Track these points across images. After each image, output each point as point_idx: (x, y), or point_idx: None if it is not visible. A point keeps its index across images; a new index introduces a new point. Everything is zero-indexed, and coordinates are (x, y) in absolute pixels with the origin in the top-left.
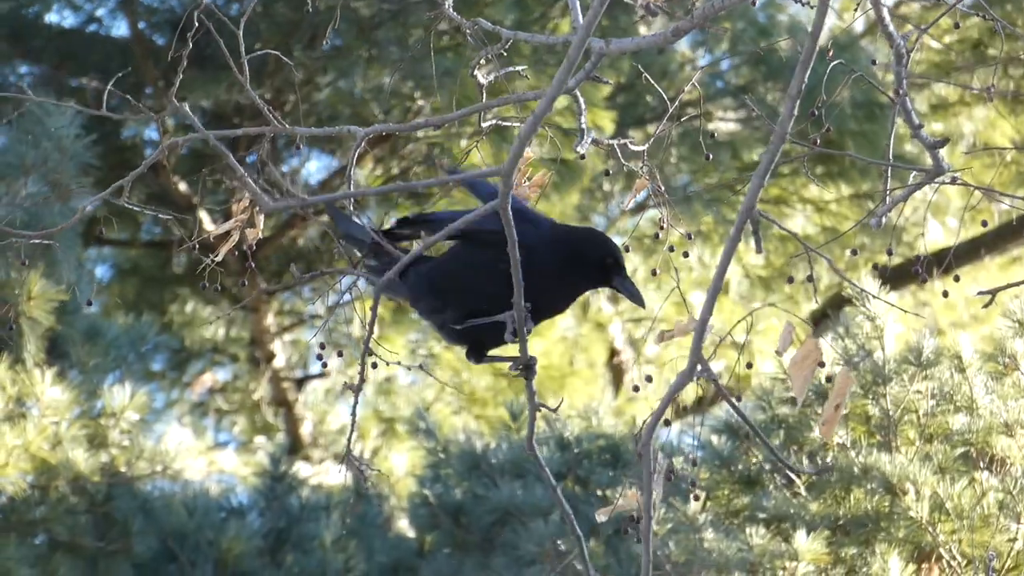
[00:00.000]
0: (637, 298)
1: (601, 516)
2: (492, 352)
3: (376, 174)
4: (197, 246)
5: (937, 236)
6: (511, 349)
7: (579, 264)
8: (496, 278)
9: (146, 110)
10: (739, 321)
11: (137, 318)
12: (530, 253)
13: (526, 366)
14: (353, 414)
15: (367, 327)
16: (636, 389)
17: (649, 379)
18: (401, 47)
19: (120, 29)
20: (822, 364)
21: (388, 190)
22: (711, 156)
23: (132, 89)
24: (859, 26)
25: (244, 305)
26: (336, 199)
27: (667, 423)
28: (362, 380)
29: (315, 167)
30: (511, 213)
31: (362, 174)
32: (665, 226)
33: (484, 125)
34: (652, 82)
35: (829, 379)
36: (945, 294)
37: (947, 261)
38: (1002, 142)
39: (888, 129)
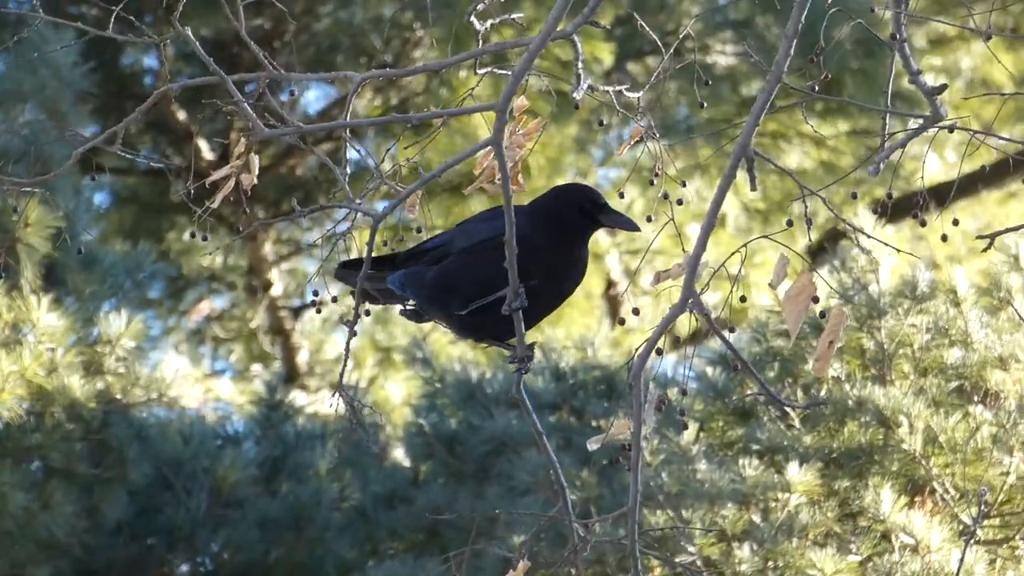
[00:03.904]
0: (630, 225)
1: (592, 445)
2: (496, 337)
3: (375, 104)
4: (192, 191)
5: (935, 170)
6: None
7: (563, 221)
8: (497, 270)
9: (150, 34)
10: (732, 253)
11: (134, 245)
12: (524, 240)
13: (521, 359)
14: (347, 350)
15: (364, 263)
16: (622, 322)
17: (636, 312)
18: None
19: None
20: (816, 299)
21: (382, 121)
22: (705, 104)
23: (133, 19)
24: None
25: (241, 235)
26: (333, 128)
27: (659, 353)
28: (356, 315)
29: (314, 96)
30: (489, 215)
31: (361, 104)
32: (660, 172)
33: (481, 72)
34: (646, 28)
35: (823, 314)
36: (944, 238)
37: (946, 201)
38: (1001, 77)
39: (887, 67)
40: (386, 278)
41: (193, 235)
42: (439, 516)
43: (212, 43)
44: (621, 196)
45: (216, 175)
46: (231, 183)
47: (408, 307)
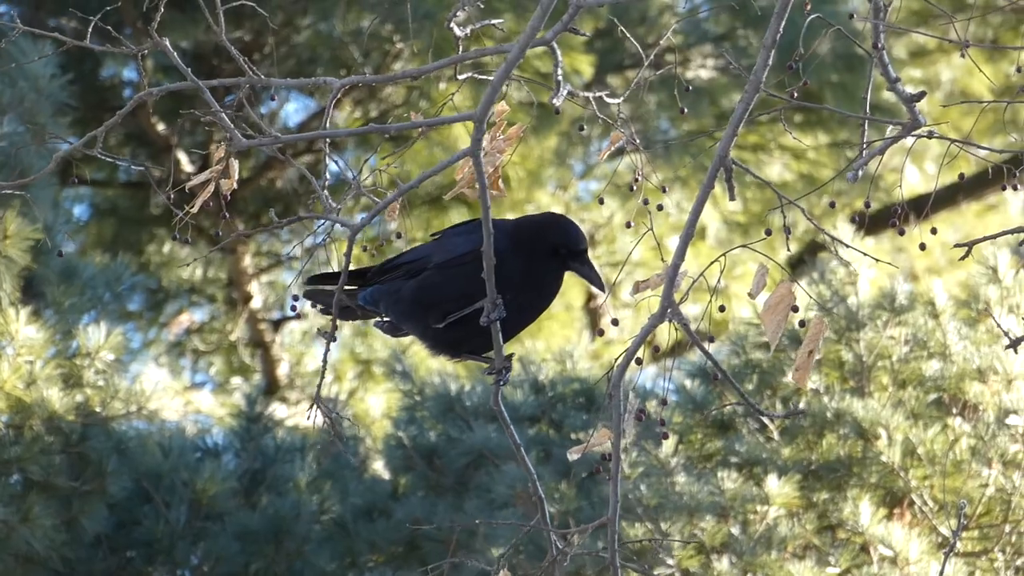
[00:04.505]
0: (597, 283)
1: (572, 455)
2: (473, 352)
3: (355, 116)
4: (172, 196)
5: (915, 181)
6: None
7: (537, 252)
8: (475, 283)
9: (128, 44)
10: (712, 263)
11: (113, 258)
12: (498, 256)
13: (499, 371)
14: (324, 362)
15: (341, 276)
16: (600, 333)
17: (615, 322)
18: None
19: None
20: (795, 309)
21: (360, 131)
22: (685, 110)
23: (111, 29)
24: None
25: (221, 247)
26: (311, 138)
27: (639, 363)
28: (334, 327)
29: (293, 108)
30: (467, 228)
31: (341, 117)
32: (640, 179)
33: (461, 78)
34: (628, 36)
35: (803, 324)
36: (922, 247)
37: (925, 211)
38: (980, 89)
39: (866, 79)
40: (357, 294)
41: (175, 238)
42: (419, 528)
43: (191, 55)
44: (601, 202)
45: (196, 180)
46: (211, 188)
47: (384, 320)
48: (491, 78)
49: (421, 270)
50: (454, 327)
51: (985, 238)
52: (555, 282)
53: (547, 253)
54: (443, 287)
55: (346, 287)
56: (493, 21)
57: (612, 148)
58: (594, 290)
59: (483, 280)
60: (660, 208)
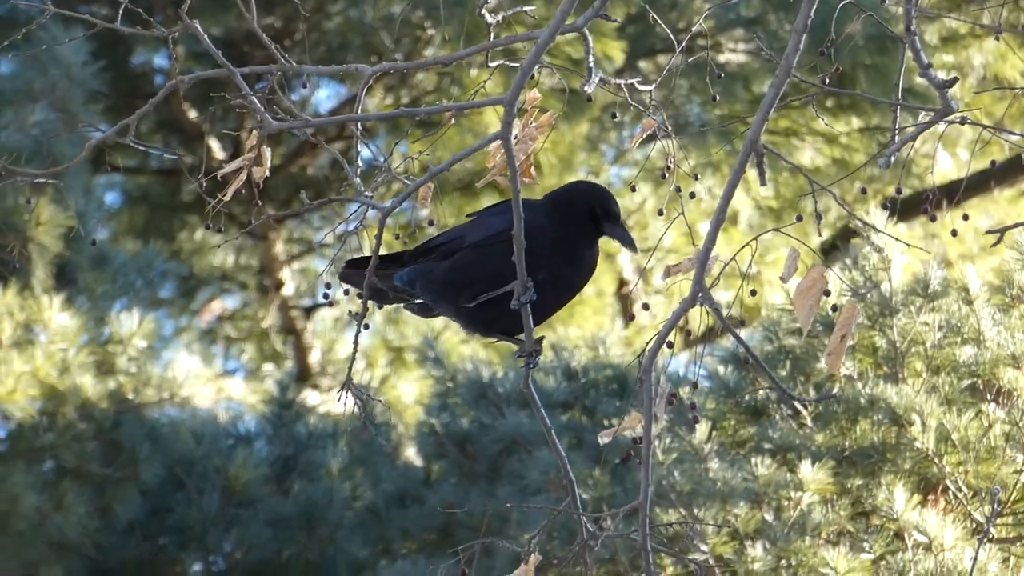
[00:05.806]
0: (630, 244)
1: (603, 439)
2: (506, 332)
3: (386, 103)
4: (204, 184)
5: (947, 167)
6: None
7: (572, 220)
8: (508, 263)
9: (159, 26)
10: (743, 247)
11: (145, 245)
12: (532, 233)
13: (529, 353)
14: (355, 344)
15: (371, 259)
16: (632, 318)
17: (646, 307)
18: None
19: None
20: (827, 293)
21: (391, 115)
22: (717, 97)
23: (140, 11)
24: None
25: (252, 231)
26: (342, 121)
27: (670, 346)
28: (365, 309)
29: (325, 95)
30: (501, 209)
31: (372, 103)
32: (672, 166)
33: (492, 65)
34: (660, 23)
35: (835, 309)
36: (954, 233)
37: (957, 197)
38: (1012, 74)
39: (899, 63)
40: (393, 276)
41: (208, 227)
42: (452, 512)
43: (222, 42)
44: (633, 189)
45: (228, 168)
46: (243, 176)
47: (415, 302)
48: (522, 63)
49: (456, 250)
50: (486, 307)
51: (1017, 224)
52: (590, 254)
53: (582, 218)
54: (477, 266)
55: (382, 270)
56: (524, 8)
57: (644, 135)
58: (627, 252)
59: (515, 261)
60: (692, 196)
